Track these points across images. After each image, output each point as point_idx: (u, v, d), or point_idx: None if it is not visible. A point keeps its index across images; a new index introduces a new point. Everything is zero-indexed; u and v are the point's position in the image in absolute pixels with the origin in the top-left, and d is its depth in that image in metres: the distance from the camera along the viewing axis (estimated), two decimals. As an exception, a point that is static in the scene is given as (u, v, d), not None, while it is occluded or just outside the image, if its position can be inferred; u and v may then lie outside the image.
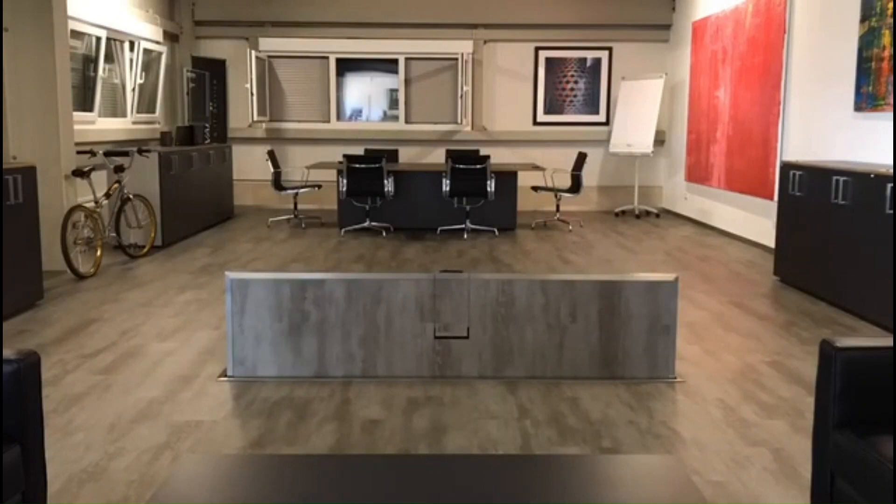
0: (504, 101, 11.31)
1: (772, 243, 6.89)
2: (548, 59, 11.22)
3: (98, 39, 8.32)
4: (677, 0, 10.83)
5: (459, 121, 11.18)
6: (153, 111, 10.05)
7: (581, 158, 9.49)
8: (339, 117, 11.44)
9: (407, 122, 11.37)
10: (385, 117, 11.56)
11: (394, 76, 11.37)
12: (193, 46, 11.01)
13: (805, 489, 2.84)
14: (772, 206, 7.44)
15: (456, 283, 3.99)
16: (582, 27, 11.03)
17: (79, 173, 6.59)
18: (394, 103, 11.47)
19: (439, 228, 9.14)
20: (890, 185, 4.84)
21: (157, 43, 9.89)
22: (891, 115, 5.78)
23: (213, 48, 11.17)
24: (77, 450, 3.14)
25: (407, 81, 11.32)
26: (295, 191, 9.64)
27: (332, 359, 4.03)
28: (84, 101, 8.25)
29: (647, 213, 10.87)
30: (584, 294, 4.01)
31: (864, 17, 6.09)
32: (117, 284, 6.17)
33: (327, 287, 4.00)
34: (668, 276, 4.03)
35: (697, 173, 9.77)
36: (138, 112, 9.53)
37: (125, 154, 7.42)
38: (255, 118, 10.84)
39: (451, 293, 4.01)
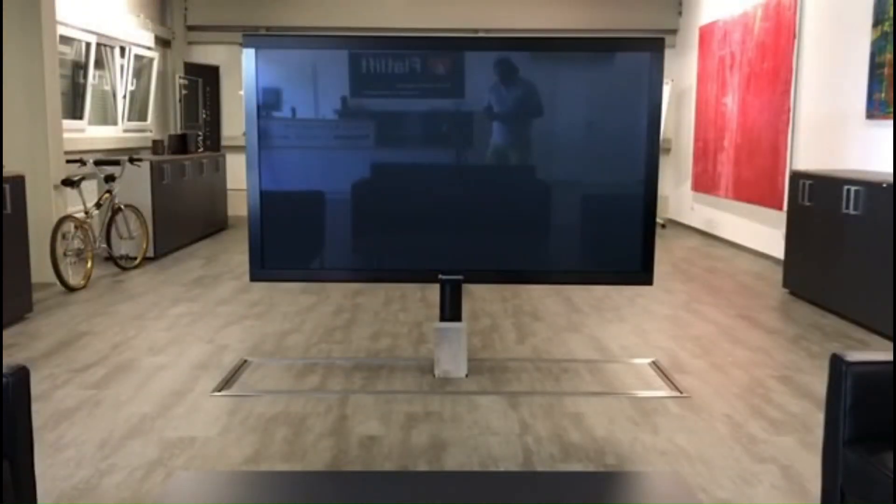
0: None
1: (781, 255, 6.80)
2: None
3: (88, 45, 8.25)
4: (684, 4, 10.80)
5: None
6: (145, 119, 9.99)
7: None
8: (333, 126, 11.40)
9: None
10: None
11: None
12: (186, 52, 10.97)
13: (815, 507, 2.80)
14: (781, 217, 7.33)
15: (454, 332, 4.16)
16: (586, 32, 11.00)
17: (68, 183, 6.51)
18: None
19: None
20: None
21: (149, 49, 9.83)
22: None
23: (206, 54, 11.13)
24: (68, 466, 3.08)
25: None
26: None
27: (330, 377, 4.08)
28: (73, 108, 8.17)
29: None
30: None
31: (877, 22, 5.97)
32: (108, 297, 6.09)
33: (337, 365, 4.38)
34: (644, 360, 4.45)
35: (705, 182, 9.68)
36: (129, 120, 9.46)
37: (116, 163, 7.35)
38: (248, 127, 10.78)
39: (449, 342, 4.16)
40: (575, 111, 4.10)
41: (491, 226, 4.08)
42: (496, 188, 4.08)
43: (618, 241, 4.10)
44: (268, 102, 4.01)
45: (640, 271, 4.13)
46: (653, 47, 3.90)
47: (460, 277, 4.10)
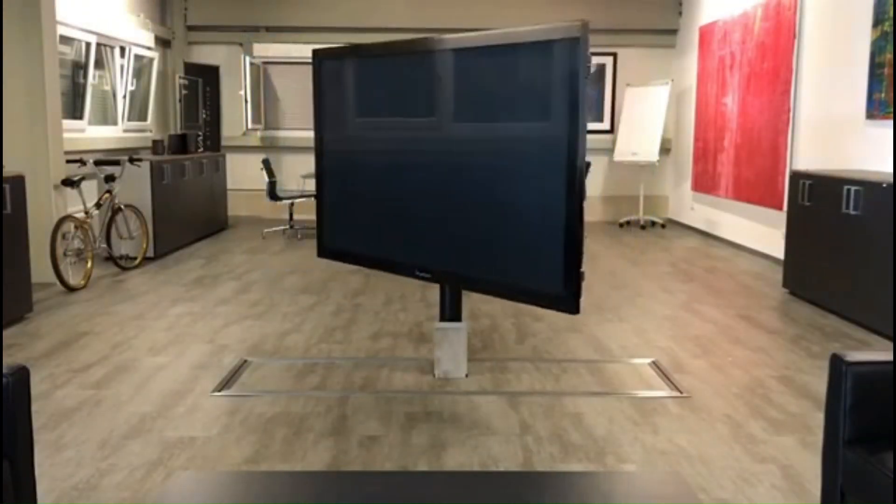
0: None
1: (781, 255, 6.79)
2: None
3: (88, 45, 8.25)
4: (684, 4, 10.76)
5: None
6: (144, 119, 9.98)
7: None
8: (332, 126, 11.38)
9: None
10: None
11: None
12: (186, 52, 10.95)
13: (815, 507, 2.79)
14: (781, 217, 7.34)
15: (454, 331, 4.11)
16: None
17: (68, 183, 6.50)
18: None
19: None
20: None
21: (149, 49, 9.82)
22: None
23: (206, 54, 11.11)
24: (68, 466, 3.07)
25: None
26: (290, 201, 9.56)
27: (330, 377, 4.05)
28: (73, 108, 8.17)
29: (653, 223, 10.78)
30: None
31: (877, 22, 5.95)
32: (108, 297, 6.08)
33: (337, 364, 4.35)
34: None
35: (704, 182, 9.66)
36: (129, 120, 9.45)
37: (116, 163, 7.35)
38: (250, 126, 10.78)
39: (449, 342, 4.12)
40: (488, 108, 3.60)
41: (427, 227, 3.98)
42: (429, 189, 3.97)
43: (536, 258, 3.44)
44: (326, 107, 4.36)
45: (561, 295, 3.37)
46: (573, 32, 3.18)
47: (428, 275, 4.02)
